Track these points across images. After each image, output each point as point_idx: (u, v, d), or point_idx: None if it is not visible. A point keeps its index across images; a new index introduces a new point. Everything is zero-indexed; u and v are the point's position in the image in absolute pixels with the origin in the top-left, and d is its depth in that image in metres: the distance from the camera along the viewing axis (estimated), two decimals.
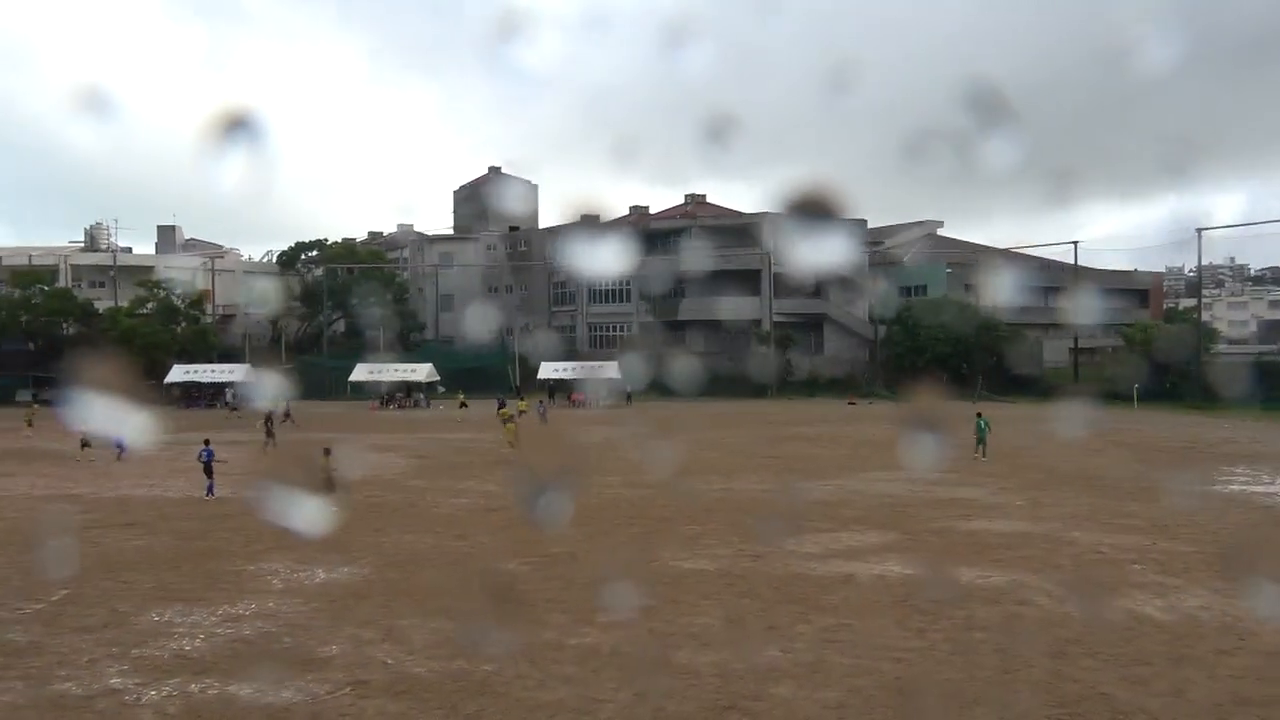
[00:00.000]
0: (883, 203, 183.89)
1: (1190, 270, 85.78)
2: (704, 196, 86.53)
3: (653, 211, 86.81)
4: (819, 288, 73.20)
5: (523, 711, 9.08)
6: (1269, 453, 32.12)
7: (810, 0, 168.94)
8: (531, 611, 12.35)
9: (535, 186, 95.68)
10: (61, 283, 74.91)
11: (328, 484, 21.86)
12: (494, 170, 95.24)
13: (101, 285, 77.63)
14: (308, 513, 14.76)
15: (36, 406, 43.29)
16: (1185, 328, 68.23)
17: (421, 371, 66.21)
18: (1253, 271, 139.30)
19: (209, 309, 75.29)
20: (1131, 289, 78.11)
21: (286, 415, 41.77)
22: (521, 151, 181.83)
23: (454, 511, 20.93)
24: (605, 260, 45.90)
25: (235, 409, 53.63)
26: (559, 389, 64.22)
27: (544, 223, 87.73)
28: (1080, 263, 69.10)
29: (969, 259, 71.98)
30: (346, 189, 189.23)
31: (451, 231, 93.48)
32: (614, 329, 78.15)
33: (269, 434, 33.63)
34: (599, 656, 10.63)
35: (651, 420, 49.09)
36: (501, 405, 49.99)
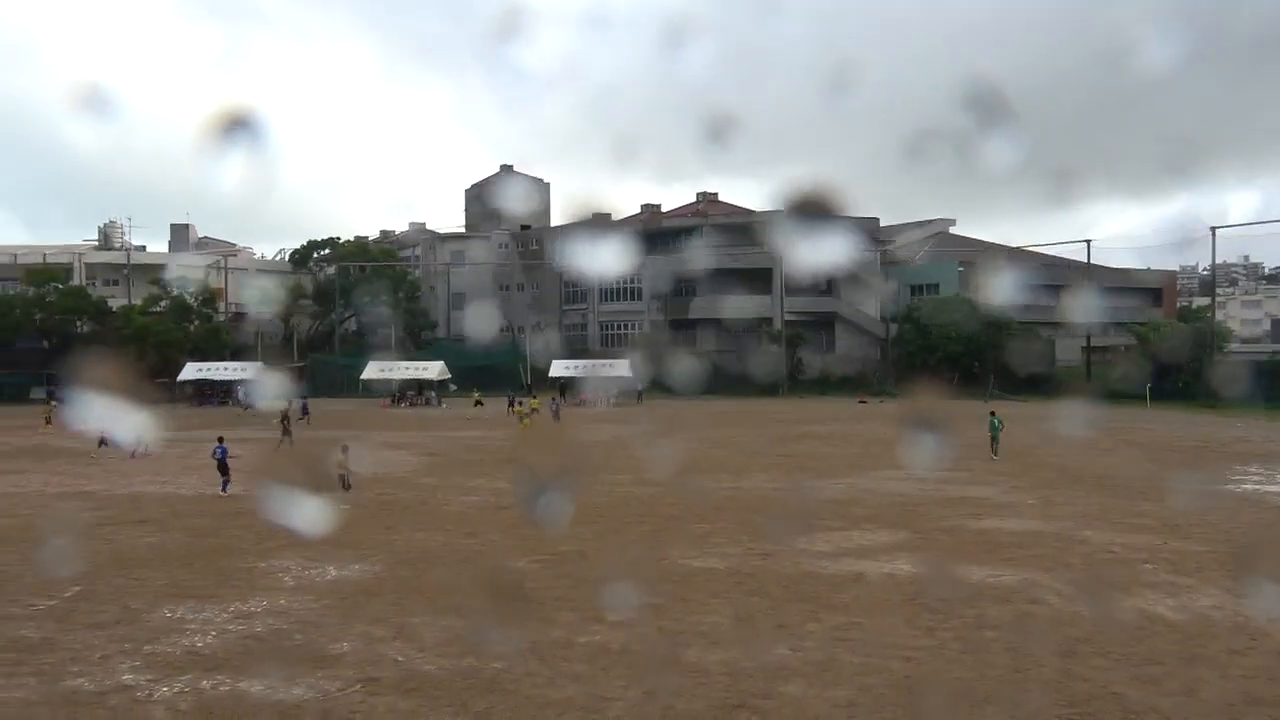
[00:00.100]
0: (895, 201, 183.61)
1: (1204, 269, 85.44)
2: (716, 195, 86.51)
3: (664, 210, 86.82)
4: (830, 286, 73.10)
5: (532, 709, 9.09)
6: None
7: (819, 1, 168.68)
8: (541, 609, 12.37)
9: (547, 185, 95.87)
10: (76, 281, 75.36)
11: (343, 481, 22.02)
12: (505, 168, 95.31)
13: (115, 283, 78.04)
14: (319, 510, 14.80)
15: (55, 404, 43.58)
16: (1198, 326, 67.89)
17: (433, 369, 66.34)
18: (1267, 270, 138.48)
19: (221, 307, 75.62)
20: (1144, 288, 77.79)
21: (305, 413, 41.92)
22: (533, 150, 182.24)
23: (465, 509, 20.97)
24: (616, 259, 45.92)
25: (246, 407, 53.86)
26: (570, 387, 64.33)
27: (555, 221, 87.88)
28: (1093, 261, 68.89)
29: (981, 257, 71.74)
30: (359, 187, 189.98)
31: (463, 230, 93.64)
32: (625, 327, 78.19)
33: (286, 431, 33.70)
34: (608, 654, 10.63)
35: (662, 418, 49.09)
36: (511, 403, 50.50)
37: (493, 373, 67.40)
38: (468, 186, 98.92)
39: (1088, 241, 68.69)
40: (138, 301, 71.35)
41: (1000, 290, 59.72)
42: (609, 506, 20.46)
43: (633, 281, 76.65)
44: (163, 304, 71.06)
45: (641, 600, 12.50)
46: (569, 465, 23.70)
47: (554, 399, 50.02)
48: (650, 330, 76.16)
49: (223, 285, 77.25)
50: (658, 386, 60.87)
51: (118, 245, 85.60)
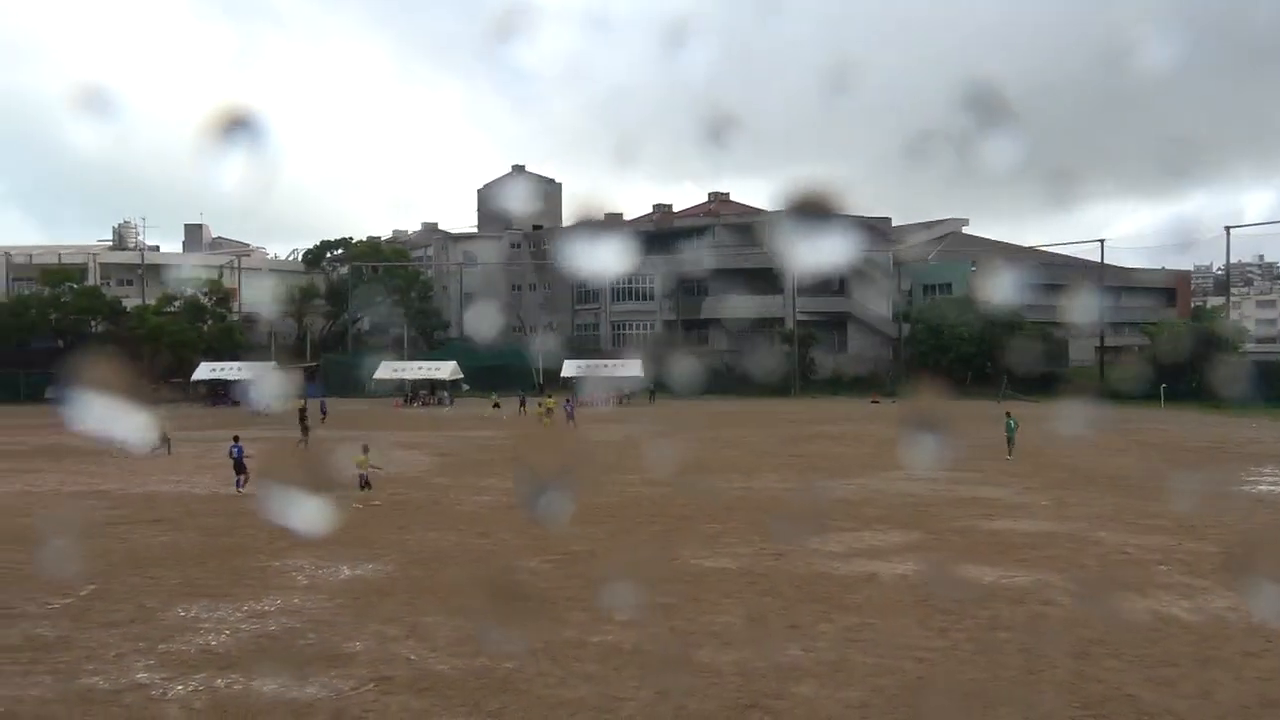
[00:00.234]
0: (908, 202, 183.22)
1: (1218, 269, 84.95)
2: (728, 195, 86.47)
3: (676, 210, 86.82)
4: (842, 286, 72.98)
5: (544, 709, 9.10)
6: None
7: (830, 3, 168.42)
8: (553, 609, 12.38)
9: (558, 185, 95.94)
10: (90, 281, 75.77)
11: (362, 480, 22.11)
12: (517, 169, 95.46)
13: (129, 283, 78.46)
14: (333, 510, 14.82)
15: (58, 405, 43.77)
16: (1212, 326, 67.48)
17: (445, 369, 66.47)
18: None
19: (235, 307, 75.91)
20: (1158, 288, 77.42)
21: (323, 413, 42.04)
22: (544, 150, 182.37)
23: (477, 509, 21.00)
24: (628, 259, 45.96)
25: (257, 412, 53.97)
26: (579, 387, 64.33)
27: (567, 221, 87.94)
28: (1107, 262, 68.57)
29: (994, 258, 71.52)
30: (371, 188, 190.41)
31: (475, 230, 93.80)
32: (636, 327, 78.21)
33: (304, 431, 33.75)
34: (620, 654, 10.63)
35: (673, 418, 49.06)
36: (522, 403, 50.84)
37: (504, 372, 67.49)
38: (480, 187, 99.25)
39: (1101, 241, 68.47)
40: (152, 301, 71.72)
41: (1012, 290, 59.58)
42: (620, 506, 20.48)
43: (644, 281, 76.68)
44: (176, 304, 71.40)
45: (654, 600, 12.50)
46: (577, 465, 23.71)
47: (569, 400, 49.96)
48: (662, 330, 76.17)
49: (236, 285, 77.60)
50: (669, 386, 60.80)
51: (132, 245, 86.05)
